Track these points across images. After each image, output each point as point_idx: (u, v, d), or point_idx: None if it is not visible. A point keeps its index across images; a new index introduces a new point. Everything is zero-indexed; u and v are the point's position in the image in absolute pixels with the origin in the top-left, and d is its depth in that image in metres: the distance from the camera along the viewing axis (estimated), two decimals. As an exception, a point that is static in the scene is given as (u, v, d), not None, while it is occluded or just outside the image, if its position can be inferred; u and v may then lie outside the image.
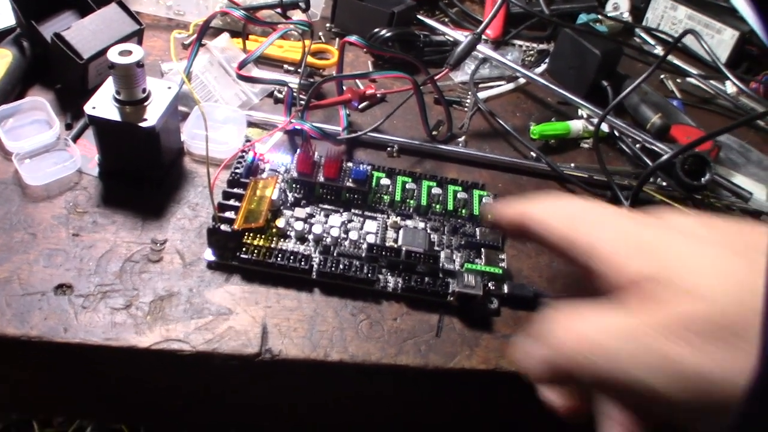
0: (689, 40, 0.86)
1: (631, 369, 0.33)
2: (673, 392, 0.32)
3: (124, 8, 0.77)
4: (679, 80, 1.05)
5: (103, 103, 0.64)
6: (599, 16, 1.08)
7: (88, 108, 0.64)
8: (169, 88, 0.67)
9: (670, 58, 1.06)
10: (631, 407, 0.38)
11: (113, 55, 0.62)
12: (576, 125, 0.86)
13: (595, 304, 0.37)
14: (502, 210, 0.48)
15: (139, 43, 0.79)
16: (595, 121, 0.85)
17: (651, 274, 0.35)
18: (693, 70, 1.05)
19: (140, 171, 0.69)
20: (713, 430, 0.33)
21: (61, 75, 0.77)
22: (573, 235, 0.41)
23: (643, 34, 1.14)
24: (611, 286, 0.38)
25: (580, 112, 0.90)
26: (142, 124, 0.63)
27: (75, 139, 0.73)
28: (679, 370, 0.32)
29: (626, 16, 1.13)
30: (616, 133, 0.86)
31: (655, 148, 0.82)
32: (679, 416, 0.34)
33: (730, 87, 1.03)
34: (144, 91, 0.65)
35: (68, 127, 0.74)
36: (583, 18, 1.06)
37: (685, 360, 0.32)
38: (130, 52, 0.62)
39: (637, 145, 0.85)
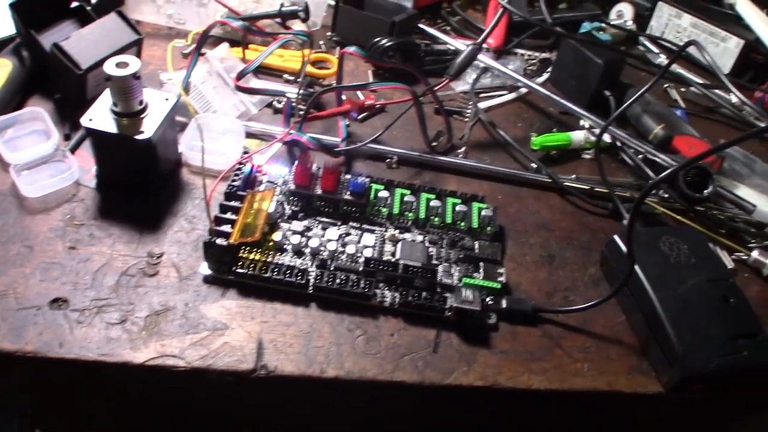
0: (694, 49, 0.86)
1: None
2: None
3: (124, 18, 0.77)
4: (683, 89, 1.04)
5: (100, 115, 0.64)
6: (603, 24, 1.07)
7: (85, 120, 0.64)
8: (167, 99, 0.67)
9: (673, 67, 1.05)
10: None
11: (110, 67, 0.62)
12: (577, 136, 0.85)
13: None
14: None
15: (139, 52, 0.79)
16: (597, 131, 0.84)
17: None
18: (697, 79, 1.04)
19: (137, 183, 0.69)
20: None
21: (60, 85, 0.77)
22: None
23: (647, 43, 1.13)
24: None
25: (582, 122, 0.89)
26: (139, 137, 0.63)
27: (73, 150, 0.72)
28: None
29: (630, 24, 1.12)
30: (618, 144, 0.85)
31: (658, 160, 0.81)
32: None
33: (735, 96, 1.02)
34: (141, 102, 0.64)
35: (67, 137, 0.74)
36: (586, 26, 1.05)
37: None
38: (126, 64, 0.62)
39: (640, 156, 0.84)
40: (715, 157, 0.85)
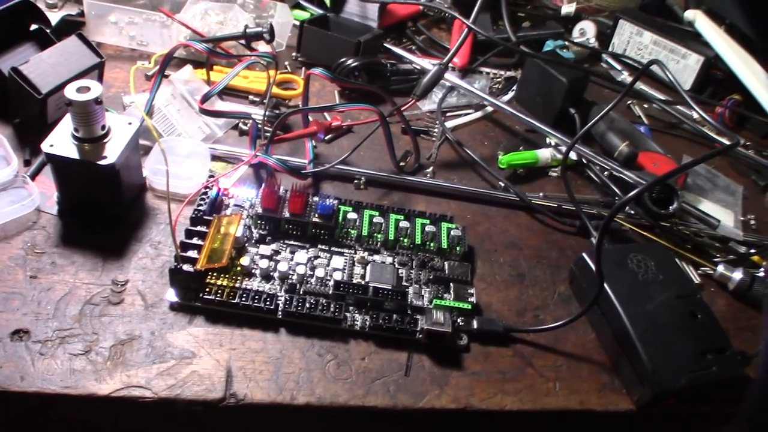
0: (656, 66, 0.87)
1: None
2: None
3: (85, 41, 0.75)
4: (646, 105, 1.06)
5: (62, 141, 0.63)
6: (566, 43, 1.09)
7: (46, 146, 0.62)
8: (130, 123, 0.66)
9: (636, 84, 1.07)
10: None
11: (71, 92, 0.60)
12: (544, 154, 0.86)
13: None
14: None
15: (101, 75, 0.78)
16: (563, 149, 0.85)
17: None
18: (660, 96, 1.06)
19: (100, 209, 0.67)
20: None
21: (19, 110, 0.75)
22: None
23: (610, 60, 1.15)
24: None
25: (548, 140, 0.90)
26: (101, 162, 0.62)
27: (34, 176, 0.71)
28: None
29: (593, 41, 1.13)
30: (584, 161, 0.86)
31: (623, 177, 0.82)
32: None
33: (696, 112, 1.03)
34: (103, 127, 0.63)
35: (27, 163, 0.72)
36: (550, 44, 1.06)
37: None
38: (88, 89, 0.61)
39: (605, 173, 0.84)
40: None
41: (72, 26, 0.90)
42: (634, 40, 1.14)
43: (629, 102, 1.06)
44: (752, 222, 0.87)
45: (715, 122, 0.82)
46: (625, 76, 1.11)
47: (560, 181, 0.85)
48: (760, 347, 0.63)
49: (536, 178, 0.86)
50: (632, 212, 0.80)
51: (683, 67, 1.09)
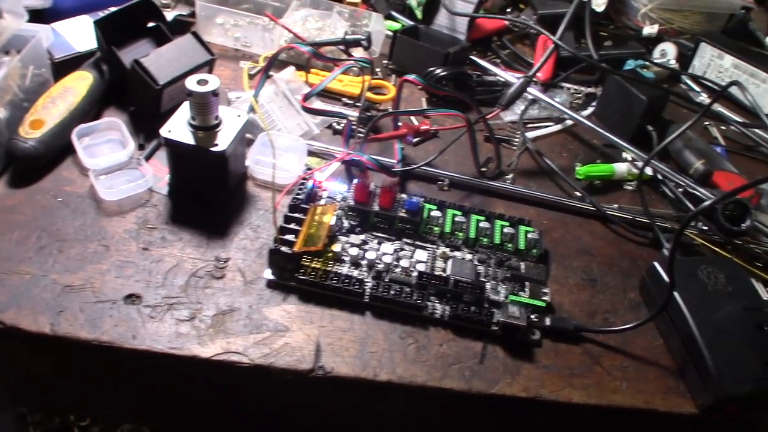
0: (735, 89, 0.89)
1: None
2: None
3: (198, 39, 0.82)
4: (723, 127, 1.07)
5: (178, 127, 0.69)
6: (646, 62, 1.11)
7: (164, 131, 0.68)
8: (239, 116, 0.72)
9: (714, 105, 1.08)
10: None
11: (191, 84, 0.67)
12: (620, 168, 0.89)
13: None
14: None
15: (210, 72, 0.84)
16: (639, 164, 0.88)
17: None
18: (737, 118, 1.07)
19: (207, 192, 0.74)
20: None
21: (136, 98, 0.82)
22: None
23: (689, 81, 1.17)
24: None
25: (624, 155, 0.93)
26: (214, 149, 0.68)
27: (147, 159, 0.77)
28: None
29: (673, 63, 1.15)
30: (660, 177, 0.89)
31: (698, 193, 0.84)
32: None
33: (774, 136, 1.05)
34: (216, 118, 0.69)
35: (141, 147, 0.79)
36: (630, 64, 1.09)
37: None
38: (206, 82, 0.67)
39: (680, 190, 0.87)
40: (754, 193, 0.87)
41: (182, 25, 0.98)
42: (715, 63, 1.15)
43: (706, 123, 1.08)
44: (826, 246, 0.88)
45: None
46: (704, 98, 1.13)
47: (635, 194, 0.88)
48: None
49: (611, 190, 0.89)
50: (705, 228, 0.83)
51: (763, 92, 1.10)
